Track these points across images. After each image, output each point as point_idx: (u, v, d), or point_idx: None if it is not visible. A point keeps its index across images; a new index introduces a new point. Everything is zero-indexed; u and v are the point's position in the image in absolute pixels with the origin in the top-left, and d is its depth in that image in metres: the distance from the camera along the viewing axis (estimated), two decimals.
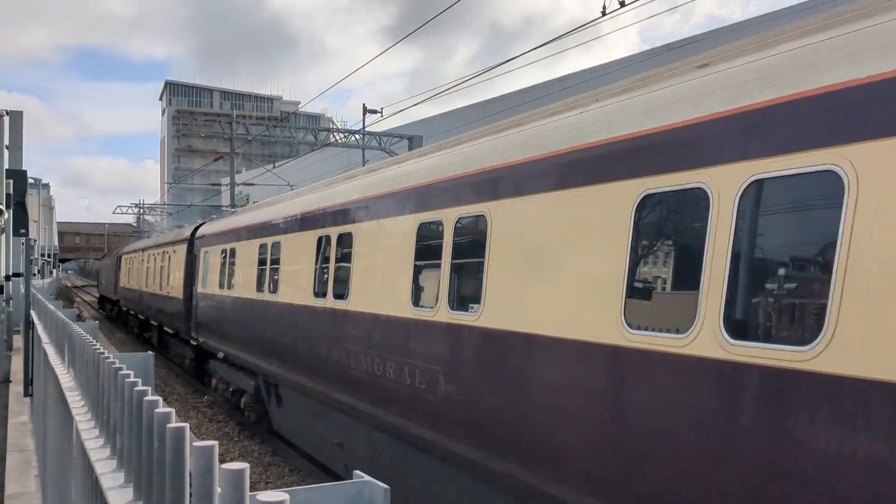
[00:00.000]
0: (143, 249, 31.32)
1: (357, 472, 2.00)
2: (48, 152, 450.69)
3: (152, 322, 28.12)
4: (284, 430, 13.51)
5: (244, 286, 14.74)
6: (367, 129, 37.72)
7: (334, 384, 10.22)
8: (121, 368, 2.65)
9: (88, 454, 2.72)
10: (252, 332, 14.00)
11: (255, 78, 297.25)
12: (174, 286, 22.70)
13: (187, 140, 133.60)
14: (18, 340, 19.21)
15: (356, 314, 9.62)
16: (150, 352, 5.57)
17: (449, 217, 7.38)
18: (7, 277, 20.02)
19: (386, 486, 1.92)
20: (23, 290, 16.19)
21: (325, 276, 10.89)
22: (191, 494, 1.52)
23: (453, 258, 7.32)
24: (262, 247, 13.77)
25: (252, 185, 49.12)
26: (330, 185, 12.25)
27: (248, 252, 14.81)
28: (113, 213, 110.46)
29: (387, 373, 8.60)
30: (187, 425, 1.68)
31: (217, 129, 43.35)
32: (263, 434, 14.95)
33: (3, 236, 20.72)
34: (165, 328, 24.71)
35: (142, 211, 78.33)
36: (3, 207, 18.27)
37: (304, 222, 11.97)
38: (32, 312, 12.85)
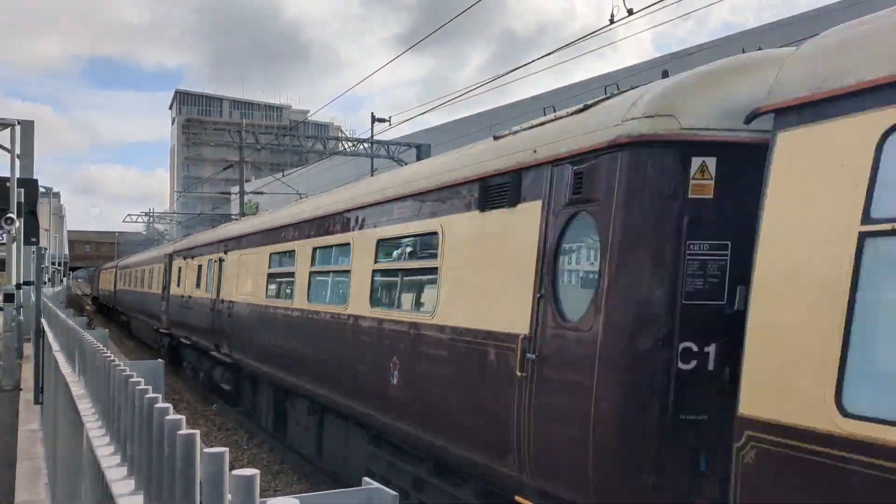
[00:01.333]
0: (107, 268, 57.50)
1: (366, 478, 2.00)
2: (60, 161, 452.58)
3: (108, 305, 54.21)
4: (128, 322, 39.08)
5: (131, 286, 37.19)
6: (376, 137, 37.84)
7: (132, 307, 37.76)
8: (131, 376, 2.66)
9: (99, 461, 2.74)
10: (130, 301, 37.40)
11: (267, 87, 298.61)
12: (110, 286, 49.98)
13: (197, 149, 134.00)
14: (29, 348, 19.30)
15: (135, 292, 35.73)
16: (159, 360, 5.61)
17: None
18: (18, 286, 20.13)
19: (395, 492, 1.92)
20: (33, 299, 16.28)
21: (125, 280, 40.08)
22: (201, 501, 1.53)
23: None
24: (137, 272, 35.18)
25: (261, 193, 49.22)
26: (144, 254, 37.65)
27: (134, 272, 36.48)
28: (123, 221, 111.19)
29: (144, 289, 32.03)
30: (197, 432, 1.69)
31: (227, 137, 43.63)
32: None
33: (14, 245, 20.85)
34: (110, 306, 52.53)
35: (151, 220, 78.69)
36: (14, 216, 18.40)
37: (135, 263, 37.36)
38: (43, 321, 12.93)
